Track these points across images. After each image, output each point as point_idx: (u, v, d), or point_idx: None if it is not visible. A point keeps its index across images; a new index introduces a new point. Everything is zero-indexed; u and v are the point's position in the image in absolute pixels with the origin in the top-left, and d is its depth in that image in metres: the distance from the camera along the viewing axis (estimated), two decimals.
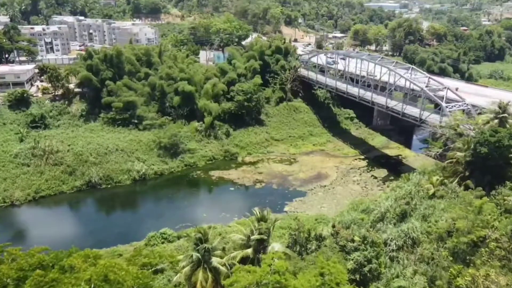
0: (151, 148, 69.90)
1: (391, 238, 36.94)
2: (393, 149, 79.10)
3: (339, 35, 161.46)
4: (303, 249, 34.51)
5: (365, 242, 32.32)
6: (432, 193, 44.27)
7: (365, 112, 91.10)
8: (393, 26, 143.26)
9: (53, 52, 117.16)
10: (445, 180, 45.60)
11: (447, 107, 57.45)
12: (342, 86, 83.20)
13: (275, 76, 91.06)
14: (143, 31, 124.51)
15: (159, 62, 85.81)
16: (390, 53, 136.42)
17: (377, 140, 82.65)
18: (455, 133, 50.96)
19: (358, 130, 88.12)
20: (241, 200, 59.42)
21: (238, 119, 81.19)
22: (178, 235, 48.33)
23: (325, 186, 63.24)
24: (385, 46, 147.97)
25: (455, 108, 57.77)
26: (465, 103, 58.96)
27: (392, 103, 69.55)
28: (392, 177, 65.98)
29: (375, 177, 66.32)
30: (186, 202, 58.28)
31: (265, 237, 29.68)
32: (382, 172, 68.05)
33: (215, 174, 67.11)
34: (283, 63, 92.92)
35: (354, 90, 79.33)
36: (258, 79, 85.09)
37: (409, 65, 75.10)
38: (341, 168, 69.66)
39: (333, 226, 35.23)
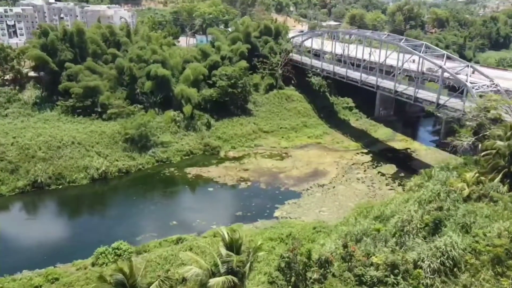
0: (116, 141, 58.46)
1: (423, 258, 26.31)
2: (400, 141, 68.66)
3: (333, 23, 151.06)
4: (300, 278, 23.65)
5: (394, 270, 21.70)
6: (467, 194, 33.86)
7: (365, 101, 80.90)
8: (392, 10, 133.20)
9: (17, 37, 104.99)
10: (482, 178, 35.24)
11: (473, 87, 46.99)
12: (341, 70, 72.73)
13: (264, 60, 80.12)
14: (118, 14, 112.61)
15: (128, 42, 74.28)
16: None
17: (381, 132, 72.15)
18: (489, 119, 40.66)
19: (359, 121, 77.58)
20: (221, 204, 48.41)
21: (221, 108, 70.14)
22: (136, 250, 37.22)
23: (323, 185, 52.52)
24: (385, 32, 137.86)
25: (483, 90, 47.34)
26: (493, 83, 48.60)
27: (401, 87, 58.97)
28: (402, 174, 55.49)
29: (383, 174, 55.75)
30: (153, 207, 47.06)
31: (237, 280, 17.93)
32: (390, 168, 57.49)
33: (192, 171, 55.97)
34: (272, 45, 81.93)
35: (355, 74, 68.83)
36: (244, 63, 74.06)
37: (421, 41, 64.54)
38: (342, 164, 58.99)
39: (345, 246, 24.34)
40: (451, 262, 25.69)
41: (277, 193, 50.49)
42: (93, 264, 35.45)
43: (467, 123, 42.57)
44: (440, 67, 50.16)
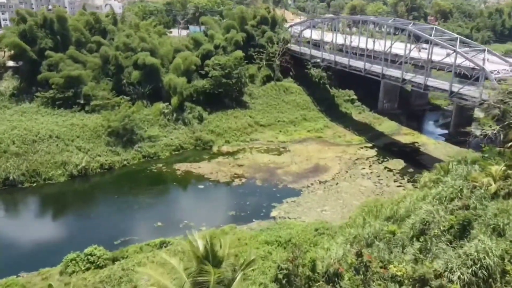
0: (99, 135, 53.60)
1: (451, 267, 21.64)
2: (406, 135, 64.00)
3: (332, 16, 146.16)
4: None
5: (424, 287, 17.06)
6: (494, 190, 29.19)
7: (368, 94, 76.39)
8: (394, 1, 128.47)
9: (1, 28, 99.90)
10: (510, 171, 30.60)
11: (493, 72, 42.34)
12: (343, 59, 68.10)
13: (261, 51, 75.37)
14: (108, 2, 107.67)
15: (115, 30, 69.39)
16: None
17: (386, 126, 67.50)
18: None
19: (361, 114, 72.91)
20: (212, 203, 43.63)
21: (214, 100, 65.36)
22: (113, 256, 32.49)
23: (325, 181, 47.83)
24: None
25: (504, 75, 42.68)
26: None
27: (409, 75, 54.20)
28: (411, 169, 50.86)
29: (390, 170, 51.09)
30: (137, 206, 42.26)
31: None
32: (397, 163, 52.83)
33: (181, 167, 51.19)
34: (270, 34, 77.14)
35: (358, 63, 64.19)
36: (239, 52, 69.29)
37: (430, 25, 59.87)
38: (345, 159, 54.31)
39: (359, 255, 19.62)
40: (485, 272, 21.03)
41: (274, 191, 45.78)
42: (61, 273, 30.71)
43: (487, 111, 37.88)
44: (455, 50, 45.46)
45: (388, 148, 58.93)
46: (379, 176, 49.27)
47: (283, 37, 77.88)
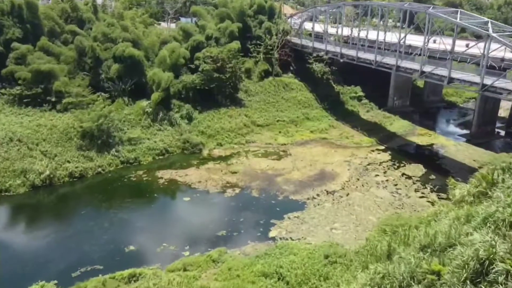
0: (70, 138, 46.21)
1: None
2: (422, 136, 56.77)
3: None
4: None
5: None
6: None
7: (376, 90, 69.25)
8: None
9: None
10: None
11: None
12: (350, 51, 60.87)
13: (259, 43, 68.09)
14: None
15: (94, 19, 61.97)
16: (398, 24, 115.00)
17: (398, 125, 60.23)
18: None
19: (370, 112, 65.65)
20: (198, 219, 36.15)
21: (205, 97, 58.02)
22: None
23: (333, 192, 40.53)
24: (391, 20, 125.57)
25: None
26: None
27: (428, 68, 46.84)
28: (432, 176, 43.65)
29: (408, 176, 43.82)
30: (107, 224, 34.87)
31: None
32: (416, 169, 45.57)
33: (165, 175, 43.84)
34: (268, 25, 69.87)
35: (367, 55, 56.93)
36: (235, 44, 62.02)
37: (453, 8, 52.61)
38: (355, 164, 47.02)
39: None
40: None
41: (273, 204, 38.44)
42: None
43: None
44: (488, 35, 38.17)
45: (403, 151, 51.72)
46: (396, 185, 41.96)
47: (283, 28, 70.56)
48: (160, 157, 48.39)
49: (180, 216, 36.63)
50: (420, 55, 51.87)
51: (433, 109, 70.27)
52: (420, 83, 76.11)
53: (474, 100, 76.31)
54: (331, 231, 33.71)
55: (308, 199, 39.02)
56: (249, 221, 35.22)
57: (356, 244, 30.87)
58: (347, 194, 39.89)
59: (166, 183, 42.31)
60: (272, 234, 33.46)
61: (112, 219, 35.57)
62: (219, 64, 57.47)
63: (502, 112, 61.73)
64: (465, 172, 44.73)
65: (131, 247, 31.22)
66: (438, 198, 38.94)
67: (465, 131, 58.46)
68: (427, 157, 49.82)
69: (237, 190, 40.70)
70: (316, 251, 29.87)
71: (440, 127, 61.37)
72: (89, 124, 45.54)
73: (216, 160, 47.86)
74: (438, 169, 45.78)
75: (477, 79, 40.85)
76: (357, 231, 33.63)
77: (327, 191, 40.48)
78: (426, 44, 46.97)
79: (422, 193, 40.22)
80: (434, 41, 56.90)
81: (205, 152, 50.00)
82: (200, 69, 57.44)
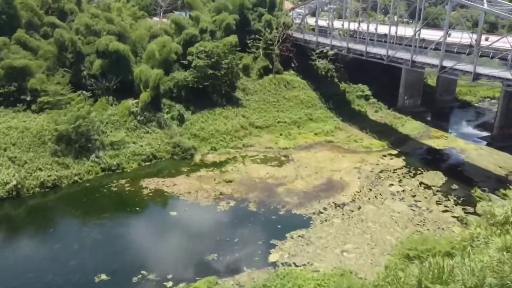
0: (44, 142, 40.92)
1: None
2: (438, 139, 51.46)
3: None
4: None
5: None
6: None
7: (384, 89, 64.12)
8: None
9: None
10: None
11: None
12: (357, 46, 55.55)
13: (258, 37, 62.77)
14: None
15: (77, 10, 56.61)
16: (405, 19, 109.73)
17: (410, 127, 54.90)
18: None
19: (378, 112, 60.34)
20: (185, 239, 30.82)
21: (199, 96, 52.73)
22: None
23: (343, 204, 35.22)
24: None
25: None
26: None
27: (449, 63, 41.45)
28: (455, 186, 38.32)
29: (427, 186, 38.48)
30: (77, 246, 29.52)
31: None
32: (435, 177, 40.24)
33: (151, 184, 38.52)
34: (268, 18, 64.52)
35: (378, 50, 51.59)
36: (232, 38, 56.74)
37: None
38: (365, 171, 41.70)
39: None
40: None
41: (274, 220, 33.12)
42: None
43: None
44: None
45: (418, 156, 46.42)
46: (414, 196, 36.62)
47: (284, 21, 65.19)
48: (147, 163, 43.09)
49: (164, 235, 31.28)
50: (435, 49, 46.73)
51: (446, 109, 64.98)
52: (431, 81, 70.89)
53: (489, 99, 71.25)
54: (342, 255, 28.37)
55: (314, 213, 33.70)
56: (245, 241, 29.91)
57: (373, 271, 25.49)
58: (359, 208, 34.57)
59: (151, 194, 36.97)
60: (272, 258, 28.12)
61: (83, 240, 30.21)
62: (214, 60, 52.22)
63: None
64: (491, 181, 39.64)
65: (102, 276, 25.89)
66: (465, 212, 33.65)
67: (485, 133, 53.11)
68: (446, 163, 44.50)
69: (232, 203, 35.38)
70: (325, 282, 24.68)
71: (456, 129, 56.00)
72: (65, 127, 40.23)
73: (209, 167, 42.55)
74: (460, 177, 40.44)
75: (508, 74, 35.48)
76: (373, 255, 28.32)
77: (335, 204, 35.16)
78: (446, 37, 41.54)
79: (445, 206, 34.87)
80: (449, 35, 51.63)
81: (197, 158, 44.70)
82: (192, 65, 52.11)
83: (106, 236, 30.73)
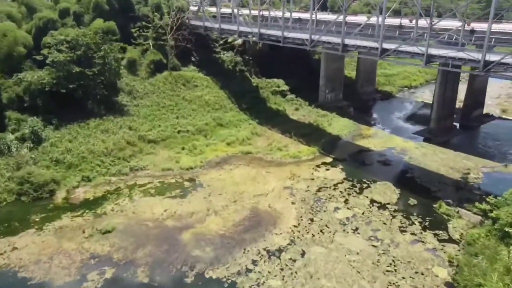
0: None
1: None
2: (371, 138, 43.49)
3: None
4: None
5: None
6: None
7: (302, 82, 55.65)
8: None
9: None
10: None
11: None
12: (271, 31, 45.32)
13: (146, 25, 49.41)
14: None
15: None
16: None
17: (339, 125, 46.31)
18: None
19: (299, 110, 51.09)
20: None
21: (64, 104, 37.76)
22: None
23: (279, 251, 24.12)
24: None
25: None
26: None
27: (391, 45, 32.60)
28: (412, 199, 29.73)
29: (381, 205, 29.27)
30: None
31: None
32: (387, 190, 31.33)
33: None
34: (157, 0, 51.39)
35: (298, 35, 41.81)
36: (105, 23, 42.60)
37: None
38: (300, 191, 31.29)
39: None
40: None
41: None
42: None
43: None
44: None
45: (357, 163, 37.43)
46: (369, 223, 27.00)
47: (177, 5, 52.56)
48: None
49: None
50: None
51: (370, 102, 58.25)
52: (349, 72, 64.03)
53: (406, 88, 66.80)
54: None
55: (239, 274, 22.06)
56: None
57: None
58: (303, 254, 23.78)
59: None
60: None
61: None
62: (81, 53, 37.64)
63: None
64: (449, 188, 32.24)
65: None
66: (438, 240, 24.88)
67: (418, 127, 46.59)
68: (392, 169, 35.99)
69: (109, 272, 22.14)
70: None
71: (387, 124, 48.70)
72: None
73: (77, 210, 28.44)
74: (414, 187, 32.14)
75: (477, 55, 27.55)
76: None
77: (268, 252, 23.93)
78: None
79: (412, 233, 25.75)
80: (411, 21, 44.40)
81: (59, 196, 30.19)
82: (49, 60, 36.95)
83: None
